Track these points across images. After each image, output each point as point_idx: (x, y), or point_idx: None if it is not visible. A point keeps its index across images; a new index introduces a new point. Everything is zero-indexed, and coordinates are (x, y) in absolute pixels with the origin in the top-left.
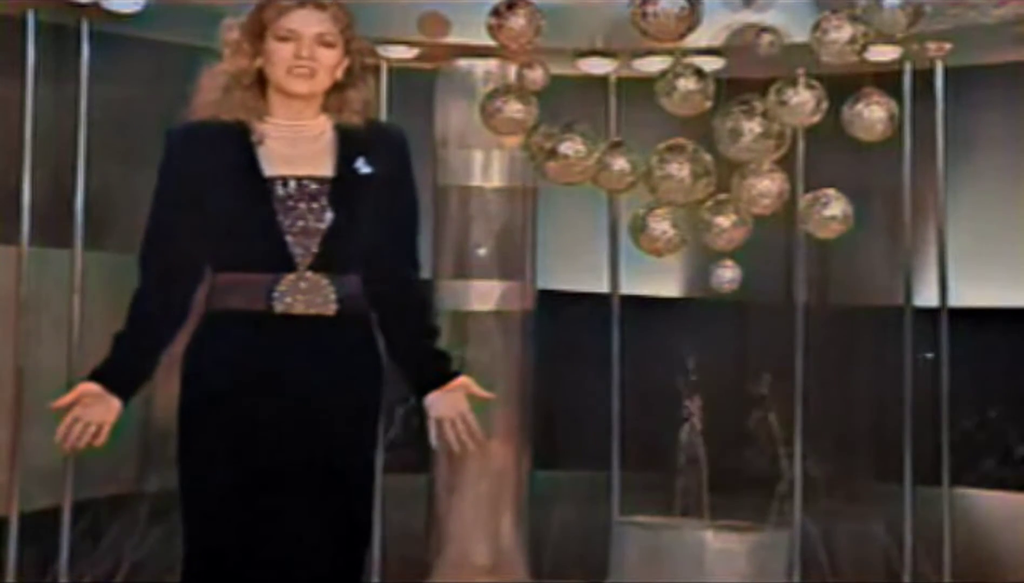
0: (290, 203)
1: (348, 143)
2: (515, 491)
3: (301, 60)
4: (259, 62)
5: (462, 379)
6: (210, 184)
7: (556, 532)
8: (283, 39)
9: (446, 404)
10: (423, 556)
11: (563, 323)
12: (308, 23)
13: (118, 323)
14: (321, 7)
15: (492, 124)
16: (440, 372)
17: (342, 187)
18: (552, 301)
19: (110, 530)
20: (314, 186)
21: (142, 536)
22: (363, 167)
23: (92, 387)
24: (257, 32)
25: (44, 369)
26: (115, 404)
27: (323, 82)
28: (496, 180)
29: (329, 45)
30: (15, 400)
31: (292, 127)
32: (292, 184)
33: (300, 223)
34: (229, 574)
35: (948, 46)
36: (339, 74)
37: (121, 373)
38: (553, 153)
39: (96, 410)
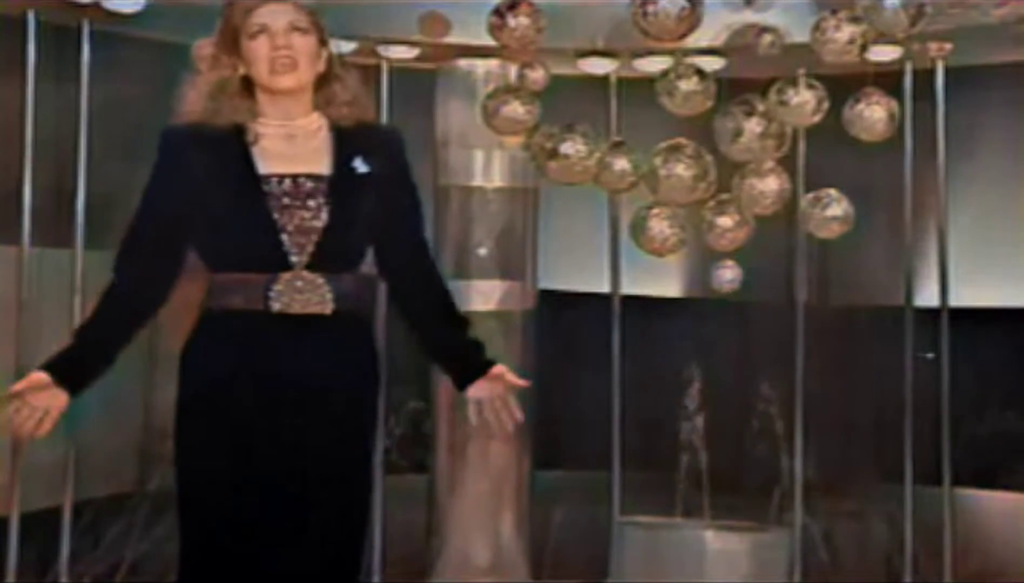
0: (286, 201)
1: (345, 142)
2: (516, 491)
3: (279, 50)
4: (241, 71)
5: (499, 368)
6: (206, 184)
7: (557, 532)
8: (256, 36)
9: (486, 389)
10: (423, 556)
11: (564, 323)
12: (276, 15)
13: None
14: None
15: (493, 124)
16: (479, 364)
17: (339, 186)
18: (553, 301)
19: (110, 530)
20: (310, 184)
21: (142, 536)
22: (360, 166)
23: (40, 377)
24: (231, 39)
25: None
26: (61, 396)
27: (307, 72)
28: (497, 180)
29: (302, 32)
30: None
31: (286, 125)
32: (288, 182)
33: (296, 222)
34: (226, 573)
35: (949, 46)
36: (321, 66)
37: (72, 367)
38: (554, 153)
39: (42, 398)
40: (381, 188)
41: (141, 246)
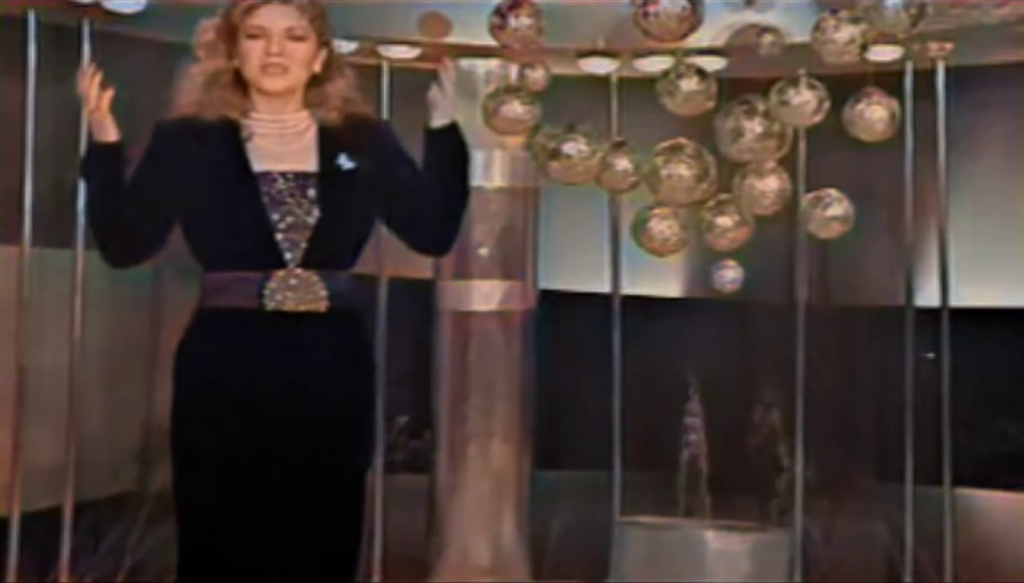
0: (279, 199)
1: (331, 139)
2: (516, 491)
3: (271, 56)
4: (236, 62)
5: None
6: (199, 180)
7: (557, 532)
8: (253, 37)
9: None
10: (424, 556)
11: (565, 323)
12: (275, 19)
13: (118, 323)
14: (286, 1)
15: (494, 124)
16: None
17: (328, 182)
18: (554, 301)
19: (111, 530)
20: (302, 182)
21: (143, 536)
22: (347, 163)
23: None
24: (230, 33)
25: (45, 369)
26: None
27: (297, 77)
28: (498, 180)
29: (299, 39)
30: (16, 400)
31: (277, 122)
32: (280, 180)
33: (289, 219)
34: (223, 571)
35: (949, 46)
36: (317, 67)
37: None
38: (556, 153)
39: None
40: (378, 176)
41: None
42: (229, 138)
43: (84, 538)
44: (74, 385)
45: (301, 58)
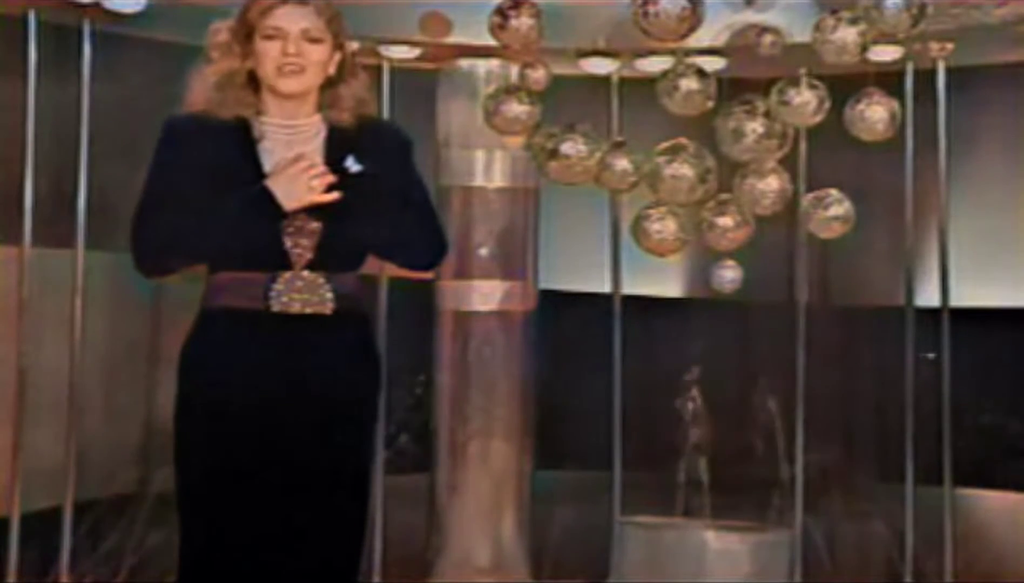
0: None
1: (338, 141)
2: (516, 491)
3: (288, 57)
4: (250, 63)
5: None
6: (209, 178)
7: (557, 532)
8: (269, 38)
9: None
10: (424, 556)
11: (565, 323)
12: (293, 20)
13: (119, 323)
14: (303, 3)
15: (494, 124)
16: None
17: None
18: (554, 301)
19: (112, 530)
20: None
21: (143, 536)
22: (353, 165)
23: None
24: (245, 33)
25: (45, 370)
26: None
27: (313, 78)
28: (498, 180)
29: (316, 40)
30: (16, 400)
31: (288, 127)
32: None
33: (296, 222)
34: (225, 572)
35: (950, 46)
36: (331, 70)
37: None
38: (555, 153)
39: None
40: (377, 183)
41: (159, 210)
42: (240, 138)
43: (84, 538)
44: (74, 385)
45: (317, 60)
